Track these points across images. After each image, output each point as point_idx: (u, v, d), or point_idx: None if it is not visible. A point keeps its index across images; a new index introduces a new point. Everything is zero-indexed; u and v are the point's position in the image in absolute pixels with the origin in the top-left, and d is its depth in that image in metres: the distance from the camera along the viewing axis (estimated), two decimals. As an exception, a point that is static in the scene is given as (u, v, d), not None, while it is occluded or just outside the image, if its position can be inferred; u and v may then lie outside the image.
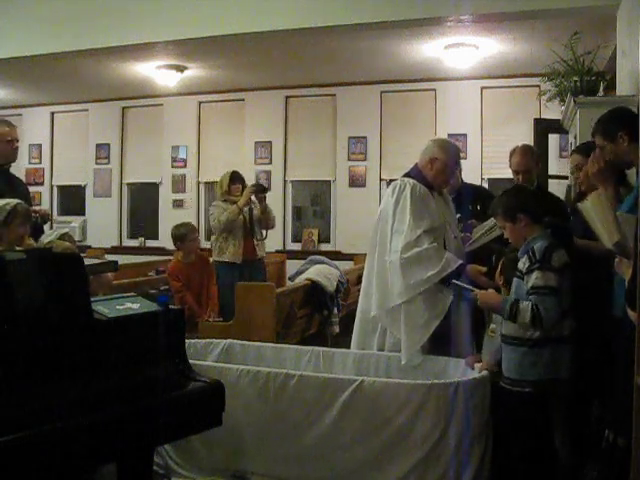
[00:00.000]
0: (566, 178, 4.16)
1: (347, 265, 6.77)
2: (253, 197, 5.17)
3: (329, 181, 8.01)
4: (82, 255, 2.81)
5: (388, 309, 3.26)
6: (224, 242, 5.12)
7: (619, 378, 2.33)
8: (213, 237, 5.25)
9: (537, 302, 2.52)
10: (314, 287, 5.23)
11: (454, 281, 3.05)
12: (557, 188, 4.69)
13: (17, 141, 4.08)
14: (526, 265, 2.60)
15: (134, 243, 8.75)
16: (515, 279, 2.68)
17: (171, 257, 6.96)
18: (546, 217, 2.72)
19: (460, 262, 3.17)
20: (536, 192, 3.53)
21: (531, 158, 3.80)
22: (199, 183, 8.50)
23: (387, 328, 3.35)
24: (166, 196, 8.60)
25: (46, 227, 4.19)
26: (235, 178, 5.31)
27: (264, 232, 5.33)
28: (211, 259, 5.23)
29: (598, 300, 2.74)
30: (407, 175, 3.44)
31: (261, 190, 5.23)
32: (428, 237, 3.19)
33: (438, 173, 3.37)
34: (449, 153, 3.40)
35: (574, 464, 2.78)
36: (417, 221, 3.21)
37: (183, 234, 4.86)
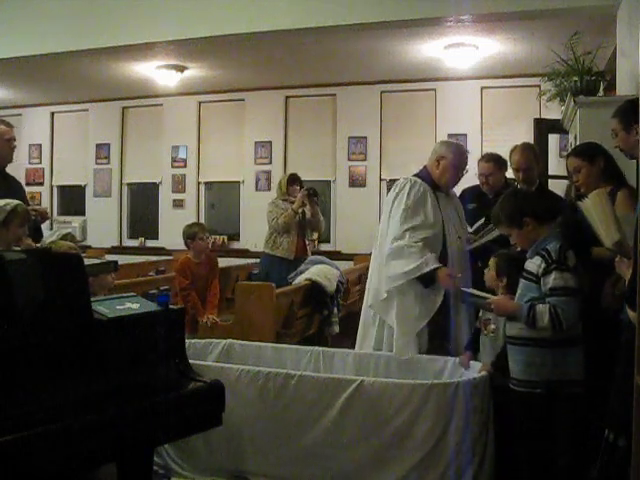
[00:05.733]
0: (566, 178, 4.15)
1: (347, 265, 6.75)
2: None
3: (329, 181, 8.01)
4: (82, 255, 2.81)
5: (381, 300, 3.39)
6: (279, 237, 5.61)
7: (619, 378, 2.33)
8: (267, 232, 5.72)
9: (557, 304, 2.47)
10: (314, 287, 5.21)
11: (463, 289, 3.03)
12: (557, 188, 4.68)
13: (14, 140, 4.07)
14: (542, 267, 2.53)
15: (134, 243, 8.74)
16: (522, 281, 2.62)
17: (171, 257, 6.99)
18: (550, 216, 2.67)
19: (439, 265, 3.20)
20: (535, 192, 3.54)
21: (532, 156, 3.80)
22: (199, 183, 8.49)
23: (381, 316, 3.44)
24: (166, 196, 8.60)
25: (44, 226, 4.18)
26: (293, 180, 5.87)
27: (315, 233, 5.91)
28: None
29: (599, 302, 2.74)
30: (416, 175, 3.53)
31: (312, 194, 5.66)
32: (414, 234, 3.28)
33: (443, 171, 3.48)
34: (454, 152, 3.51)
35: (576, 465, 2.78)
36: (407, 218, 3.33)
37: (194, 232, 4.90)
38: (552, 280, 2.50)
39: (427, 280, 3.23)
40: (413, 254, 3.23)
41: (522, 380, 2.60)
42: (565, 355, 2.55)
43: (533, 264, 2.58)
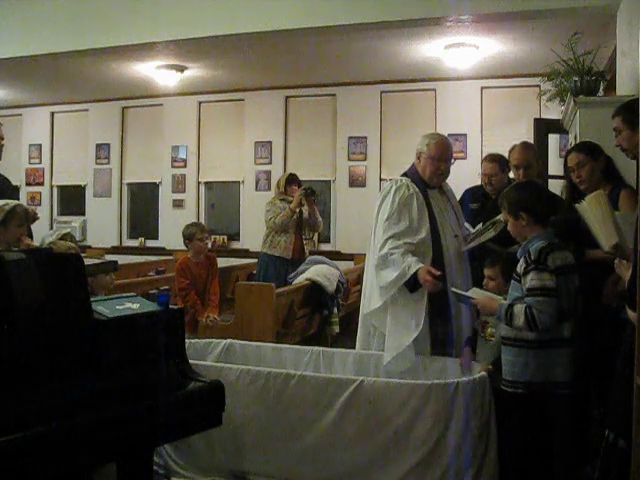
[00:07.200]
0: (566, 178, 4.16)
1: (347, 265, 6.77)
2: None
3: (329, 181, 8.01)
4: (82, 255, 2.81)
5: (375, 309, 3.30)
6: (276, 237, 5.62)
7: (619, 378, 2.33)
8: (265, 232, 5.73)
9: (532, 304, 2.48)
10: (314, 287, 5.22)
11: (452, 289, 3.01)
12: (557, 188, 4.69)
13: (2, 139, 4.02)
14: (522, 266, 2.57)
15: (134, 243, 8.75)
16: (512, 282, 2.65)
17: (171, 257, 7.00)
18: (550, 217, 2.67)
19: (419, 266, 3.09)
20: (543, 190, 3.51)
21: (531, 153, 3.79)
22: (199, 183, 8.50)
23: (376, 326, 3.36)
24: (166, 196, 8.60)
25: (45, 226, 4.16)
26: (292, 180, 5.87)
27: (313, 233, 5.87)
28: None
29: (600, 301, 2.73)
30: (404, 174, 3.45)
31: (310, 193, 5.64)
32: (397, 241, 3.18)
33: (424, 166, 3.37)
34: (429, 144, 3.36)
35: (573, 465, 2.78)
36: (390, 225, 3.23)
37: (192, 233, 4.91)
38: (529, 280, 2.52)
39: (412, 285, 3.12)
40: (395, 260, 3.14)
41: (509, 380, 2.62)
42: (549, 356, 2.55)
43: (519, 265, 2.61)
